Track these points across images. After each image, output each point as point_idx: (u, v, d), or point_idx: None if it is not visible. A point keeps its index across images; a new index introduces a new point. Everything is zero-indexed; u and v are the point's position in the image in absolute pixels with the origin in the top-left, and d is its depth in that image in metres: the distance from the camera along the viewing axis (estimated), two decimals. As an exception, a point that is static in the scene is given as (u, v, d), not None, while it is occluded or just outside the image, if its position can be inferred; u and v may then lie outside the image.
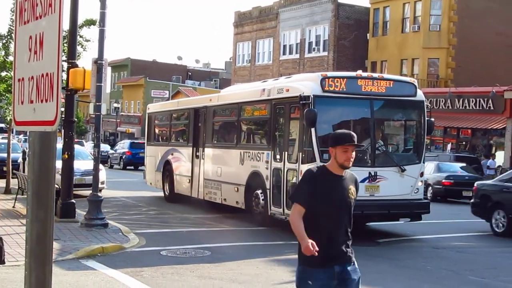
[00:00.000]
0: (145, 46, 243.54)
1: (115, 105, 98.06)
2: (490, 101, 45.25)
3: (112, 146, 75.80)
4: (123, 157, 59.89)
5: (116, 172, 52.91)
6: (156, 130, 32.99)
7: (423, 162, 20.31)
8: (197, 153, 26.09)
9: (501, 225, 20.99)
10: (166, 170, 29.19)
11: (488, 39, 52.23)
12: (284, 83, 21.32)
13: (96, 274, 13.24)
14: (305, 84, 19.33)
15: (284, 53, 67.49)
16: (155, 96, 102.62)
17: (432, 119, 20.47)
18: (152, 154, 31.67)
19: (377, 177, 18.88)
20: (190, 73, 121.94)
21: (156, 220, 22.65)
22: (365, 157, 19.38)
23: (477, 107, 45.77)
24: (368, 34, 60.10)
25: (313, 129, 18.24)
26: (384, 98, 19.83)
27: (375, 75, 20.98)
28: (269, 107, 21.07)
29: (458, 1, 53.68)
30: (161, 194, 30.24)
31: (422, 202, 19.95)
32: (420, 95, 20.27)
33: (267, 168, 20.52)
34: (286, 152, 19.69)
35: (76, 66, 19.86)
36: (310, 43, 63.96)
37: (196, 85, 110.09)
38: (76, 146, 26.01)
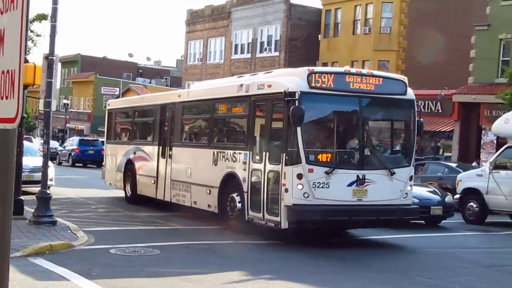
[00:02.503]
0: (96, 42, 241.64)
1: (65, 101, 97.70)
2: (438, 104, 45.92)
3: (61, 142, 75.28)
4: (72, 154, 59.64)
5: (64, 169, 52.43)
6: (117, 128, 31.24)
7: (413, 165, 19.13)
8: (164, 153, 24.52)
9: None
10: (128, 170, 27.65)
11: (437, 42, 52.79)
12: (264, 78, 19.85)
13: (44, 272, 13.11)
14: (290, 79, 17.88)
15: (235, 53, 67.55)
16: (105, 93, 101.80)
17: (422, 120, 19.66)
18: (112, 153, 30.13)
19: (365, 180, 17.75)
20: (141, 71, 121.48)
21: (106, 218, 22.50)
22: (353, 159, 18.32)
23: (426, 110, 46.23)
24: (319, 35, 60.40)
25: (299, 128, 16.98)
26: (373, 96, 18.61)
27: (364, 71, 19.49)
28: (248, 104, 19.54)
29: (408, 5, 54.15)
30: (112, 191, 30.13)
31: (412, 208, 19.01)
32: (410, 93, 19.13)
33: (244, 170, 19.03)
34: (267, 153, 18.26)
35: (27, 61, 19.65)
36: (262, 43, 64.14)
37: (146, 82, 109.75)
38: (25, 143, 25.82)
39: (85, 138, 68.67)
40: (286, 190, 17.09)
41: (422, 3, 53.88)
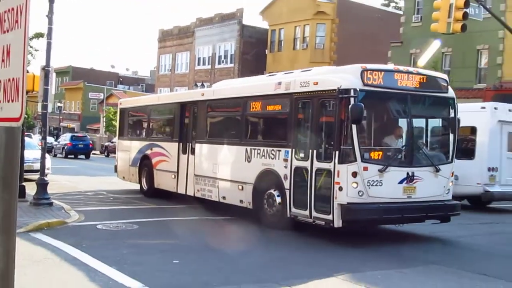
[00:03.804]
0: (85, 55, 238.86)
1: (58, 104, 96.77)
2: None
3: (56, 138, 74.62)
4: (65, 148, 59.46)
5: (59, 160, 51.92)
6: (131, 125, 27.05)
7: (454, 162, 16.28)
8: (185, 149, 21.16)
9: None
10: (144, 165, 24.11)
11: (362, 56, 53.20)
12: (307, 76, 16.46)
13: (43, 245, 12.95)
14: (343, 76, 14.85)
15: (198, 64, 67.52)
16: (92, 98, 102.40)
17: (460, 117, 16.71)
18: (126, 149, 26.20)
19: (414, 177, 15.08)
20: (121, 79, 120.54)
21: (93, 199, 22.26)
22: (403, 156, 15.41)
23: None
24: (266, 50, 60.57)
25: (354, 126, 14.04)
26: (420, 94, 15.75)
27: (410, 69, 16.27)
28: (288, 102, 16.32)
29: (338, 26, 54.75)
30: (99, 178, 29.78)
31: (454, 204, 16.15)
32: (451, 91, 16.44)
33: (286, 167, 15.94)
34: (314, 150, 15.07)
35: (27, 72, 19.35)
36: (220, 57, 64.22)
37: (126, 89, 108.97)
38: (26, 138, 25.59)
39: (75, 134, 68.31)
40: (340, 189, 14.16)
41: (349, 25, 54.39)
